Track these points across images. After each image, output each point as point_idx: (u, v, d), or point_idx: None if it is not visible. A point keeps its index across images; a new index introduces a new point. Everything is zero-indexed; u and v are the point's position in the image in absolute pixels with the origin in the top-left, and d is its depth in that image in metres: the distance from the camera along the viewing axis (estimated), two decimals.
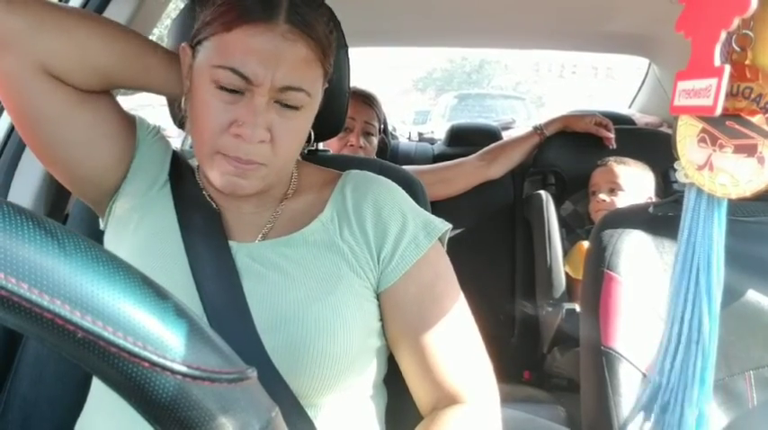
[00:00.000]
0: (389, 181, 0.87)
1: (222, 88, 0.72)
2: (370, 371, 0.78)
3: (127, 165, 0.82)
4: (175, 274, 0.74)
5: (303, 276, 0.75)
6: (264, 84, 0.71)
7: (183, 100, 0.80)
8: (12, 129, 1.14)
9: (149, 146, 0.84)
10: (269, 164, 0.75)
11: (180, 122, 0.86)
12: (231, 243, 0.78)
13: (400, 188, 0.86)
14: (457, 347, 0.77)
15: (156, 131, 0.87)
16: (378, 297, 0.80)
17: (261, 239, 0.80)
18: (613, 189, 1.83)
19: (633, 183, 1.82)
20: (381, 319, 0.80)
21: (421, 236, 0.80)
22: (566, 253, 1.91)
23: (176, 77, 0.80)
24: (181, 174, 0.85)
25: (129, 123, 0.84)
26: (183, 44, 0.78)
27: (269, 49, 0.71)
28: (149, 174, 0.83)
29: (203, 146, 0.75)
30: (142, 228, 0.79)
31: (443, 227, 0.83)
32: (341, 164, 0.94)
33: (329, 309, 0.73)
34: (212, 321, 0.71)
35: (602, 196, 1.83)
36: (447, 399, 0.75)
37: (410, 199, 0.86)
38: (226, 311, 0.72)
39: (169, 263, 0.76)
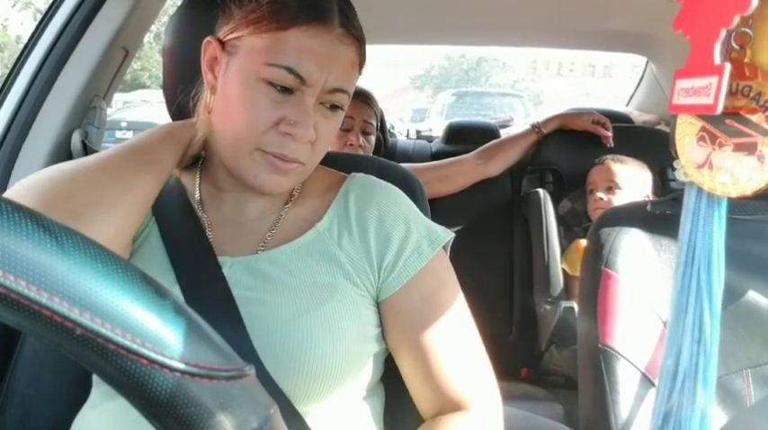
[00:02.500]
0: (394, 187, 0.86)
1: (272, 86, 0.72)
2: (366, 375, 0.78)
3: None
4: None
5: (297, 287, 0.75)
6: (317, 85, 0.72)
7: (207, 93, 0.78)
8: (9, 126, 1.14)
9: None
10: (307, 163, 0.76)
11: (178, 119, 0.86)
12: (225, 258, 0.77)
13: (404, 194, 0.86)
14: (459, 354, 0.77)
15: None
16: (377, 304, 0.79)
17: (262, 247, 0.79)
18: (611, 187, 1.83)
19: (630, 181, 1.83)
20: (380, 325, 0.79)
21: (424, 244, 0.80)
22: (563, 251, 1.91)
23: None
24: (163, 192, 0.81)
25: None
26: (208, 38, 0.76)
27: (325, 52, 0.72)
28: None
29: (242, 142, 0.74)
30: (132, 258, 0.77)
31: (446, 236, 0.83)
32: (339, 162, 0.94)
33: (323, 319, 0.73)
34: None
35: (600, 194, 1.83)
36: (450, 406, 0.75)
37: (414, 206, 0.85)
38: (220, 329, 0.71)
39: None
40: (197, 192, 0.84)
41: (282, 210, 0.83)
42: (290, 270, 0.76)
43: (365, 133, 1.85)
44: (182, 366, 0.30)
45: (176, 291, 0.73)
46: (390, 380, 0.82)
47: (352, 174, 0.87)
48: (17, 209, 0.28)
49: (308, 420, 0.72)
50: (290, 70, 0.71)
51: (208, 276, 0.75)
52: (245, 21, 0.73)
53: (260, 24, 0.72)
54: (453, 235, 0.84)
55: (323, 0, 0.73)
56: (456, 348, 0.77)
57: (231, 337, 0.69)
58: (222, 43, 0.75)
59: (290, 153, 0.73)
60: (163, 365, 0.29)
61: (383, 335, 0.79)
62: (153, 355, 0.29)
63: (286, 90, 0.72)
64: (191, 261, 0.76)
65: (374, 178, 0.87)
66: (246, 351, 0.70)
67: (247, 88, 0.72)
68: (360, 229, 0.79)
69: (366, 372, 0.78)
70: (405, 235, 0.79)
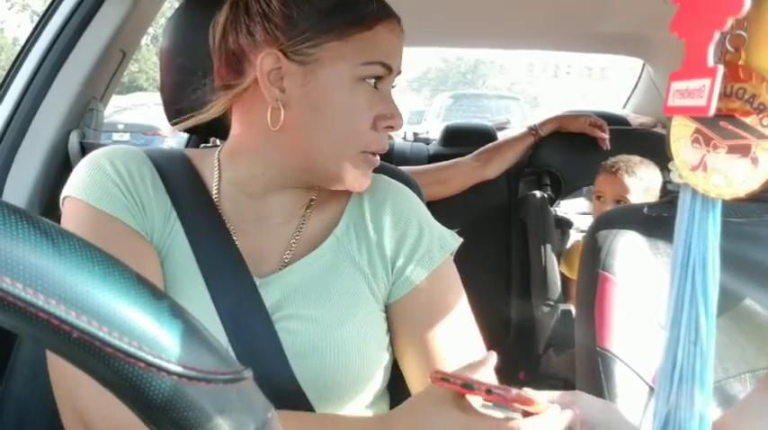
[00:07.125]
0: (406, 188, 0.86)
1: (366, 84, 0.73)
2: (376, 383, 0.78)
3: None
4: (199, 314, 0.72)
5: (326, 300, 0.75)
6: (396, 71, 0.76)
7: (268, 110, 0.72)
8: (6, 128, 1.14)
9: (140, 203, 0.75)
10: None
11: (175, 122, 0.86)
12: (254, 279, 0.75)
13: (416, 195, 0.86)
14: (465, 359, 0.77)
15: (130, 178, 0.75)
16: (386, 308, 0.79)
17: (287, 257, 0.78)
18: (620, 201, 1.76)
19: (640, 193, 1.75)
20: (389, 332, 0.79)
21: (435, 249, 0.80)
22: (560, 253, 1.91)
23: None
24: (188, 198, 0.78)
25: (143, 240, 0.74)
26: (269, 50, 0.70)
27: (399, 41, 0.77)
28: (159, 214, 0.76)
29: (347, 147, 0.74)
30: (164, 269, 0.74)
31: (455, 241, 0.83)
32: None
33: (352, 333, 0.74)
34: (241, 357, 0.68)
35: (609, 208, 1.77)
36: None
37: (425, 208, 0.85)
38: (256, 349, 0.71)
39: (192, 302, 0.71)
40: (215, 187, 0.79)
41: (304, 215, 0.81)
42: (316, 282, 0.76)
43: None
44: (179, 369, 0.30)
45: (209, 308, 0.72)
46: (395, 386, 0.82)
47: None
48: (14, 211, 0.28)
49: None
50: (383, 64, 0.73)
51: (243, 295, 0.74)
52: (322, 27, 0.71)
53: (345, 28, 0.71)
54: (461, 240, 0.84)
55: None
56: (461, 353, 0.77)
57: (267, 358, 0.70)
58: (285, 54, 0.71)
59: (387, 146, 0.76)
60: (160, 368, 0.29)
61: (390, 341, 0.80)
62: (150, 358, 0.29)
63: (374, 85, 0.74)
64: (221, 276, 0.74)
65: (386, 178, 0.87)
66: (282, 370, 0.71)
67: (347, 93, 0.72)
68: (376, 230, 0.80)
69: (379, 381, 0.78)
70: (417, 237, 0.80)
